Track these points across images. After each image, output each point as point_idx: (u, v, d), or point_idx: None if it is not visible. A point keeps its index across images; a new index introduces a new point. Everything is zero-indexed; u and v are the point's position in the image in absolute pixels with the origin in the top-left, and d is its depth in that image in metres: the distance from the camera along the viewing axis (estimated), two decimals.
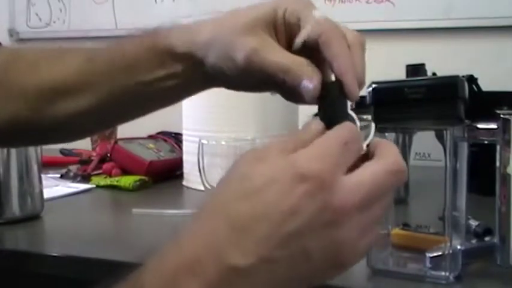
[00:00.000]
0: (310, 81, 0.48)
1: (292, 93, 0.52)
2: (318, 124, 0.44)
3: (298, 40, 0.51)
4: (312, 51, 0.50)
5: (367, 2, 1.43)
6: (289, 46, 0.52)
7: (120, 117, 0.65)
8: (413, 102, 0.61)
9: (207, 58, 0.54)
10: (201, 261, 0.38)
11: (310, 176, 0.37)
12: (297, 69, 0.49)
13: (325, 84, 0.47)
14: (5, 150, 0.85)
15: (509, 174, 0.59)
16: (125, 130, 1.40)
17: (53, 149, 1.31)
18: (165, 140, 1.26)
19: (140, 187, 1.09)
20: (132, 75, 0.58)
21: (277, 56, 0.51)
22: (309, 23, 0.51)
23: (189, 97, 0.63)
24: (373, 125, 0.48)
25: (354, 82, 0.47)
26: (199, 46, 0.55)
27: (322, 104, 0.47)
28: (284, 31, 0.52)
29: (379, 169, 0.40)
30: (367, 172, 0.40)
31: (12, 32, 1.84)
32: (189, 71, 0.57)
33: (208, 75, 0.56)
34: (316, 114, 0.46)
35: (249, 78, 0.53)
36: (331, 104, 0.46)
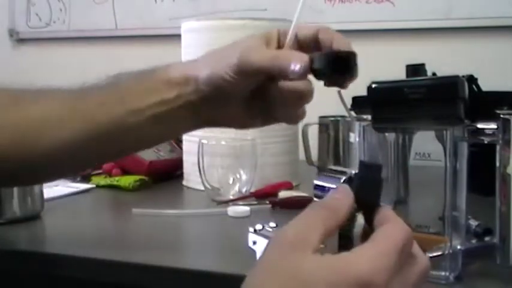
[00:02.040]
0: (298, 61, 0.54)
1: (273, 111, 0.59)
2: (348, 196, 0.42)
3: (289, 36, 0.59)
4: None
5: (367, 2, 1.43)
6: None
7: (104, 154, 0.65)
8: (413, 102, 0.61)
9: (201, 73, 0.58)
10: None
11: (375, 283, 0.37)
12: (284, 55, 0.56)
13: (362, 165, 0.46)
14: None
15: (509, 174, 0.59)
16: None
17: None
18: None
19: (140, 187, 1.09)
20: (123, 105, 0.59)
21: (265, 51, 0.57)
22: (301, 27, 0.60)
23: (180, 135, 0.66)
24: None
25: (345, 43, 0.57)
26: (194, 67, 0.59)
27: (358, 181, 0.44)
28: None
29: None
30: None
31: (12, 32, 1.84)
32: (182, 95, 0.59)
33: (201, 100, 0.59)
34: (344, 181, 0.45)
35: (241, 86, 0.56)
36: (367, 184, 0.44)
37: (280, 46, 0.60)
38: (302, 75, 0.55)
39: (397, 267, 0.39)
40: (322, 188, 0.60)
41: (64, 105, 0.60)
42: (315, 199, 0.53)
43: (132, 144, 0.64)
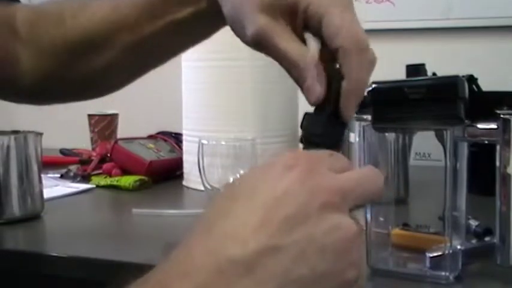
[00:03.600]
0: (313, 87, 0.46)
1: None
2: None
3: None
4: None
5: (367, 2, 1.43)
6: (302, 39, 0.49)
7: (150, 61, 0.64)
8: (413, 102, 0.61)
9: (224, 8, 0.53)
10: (194, 258, 0.35)
11: (300, 164, 0.37)
12: (303, 67, 0.47)
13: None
14: (5, 150, 0.85)
15: (509, 174, 0.59)
16: (124, 130, 1.41)
17: (53, 149, 1.31)
18: (165, 140, 1.26)
19: (140, 187, 1.09)
20: (156, 18, 0.57)
21: (284, 43, 0.48)
22: (329, 33, 0.47)
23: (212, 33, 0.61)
24: None
25: (352, 107, 0.47)
26: None
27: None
28: (301, 25, 0.49)
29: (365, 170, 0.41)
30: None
31: None
32: (211, 8, 0.55)
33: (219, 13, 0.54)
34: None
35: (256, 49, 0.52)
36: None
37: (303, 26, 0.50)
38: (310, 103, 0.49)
39: (328, 162, 0.39)
40: None
41: (100, 21, 0.60)
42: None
43: (178, 43, 0.62)
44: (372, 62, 0.47)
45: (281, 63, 0.49)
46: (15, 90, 0.64)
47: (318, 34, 0.48)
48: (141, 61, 0.62)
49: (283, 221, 0.35)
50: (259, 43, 0.50)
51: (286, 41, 0.49)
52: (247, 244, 0.34)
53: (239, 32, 0.52)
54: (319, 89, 0.46)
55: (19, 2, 0.67)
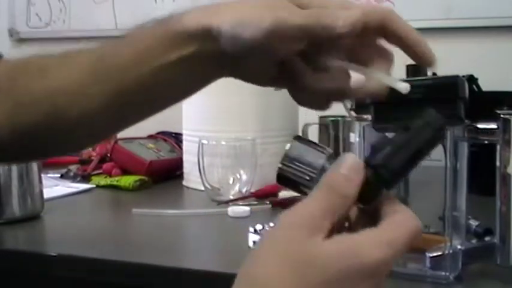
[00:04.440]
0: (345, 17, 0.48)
1: (299, 89, 0.51)
2: (358, 170, 0.41)
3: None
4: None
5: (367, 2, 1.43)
6: None
7: (131, 115, 0.62)
8: (413, 102, 0.61)
9: (223, 26, 0.51)
10: None
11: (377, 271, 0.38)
12: (327, 11, 0.48)
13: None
14: None
15: (509, 174, 0.59)
16: (125, 130, 1.40)
17: None
18: (165, 140, 1.26)
19: (140, 187, 1.09)
20: (142, 64, 0.55)
21: (302, 11, 0.49)
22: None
23: (200, 90, 0.61)
24: None
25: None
26: (215, 18, 0.51)
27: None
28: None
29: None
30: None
31: (12, 32, 1.84)
32: (202, 50, 0.53)
33: (222, 56, 0.52)
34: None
35: (266, 55, 0.51)
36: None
37: None
38: (351, 33, 0.48)
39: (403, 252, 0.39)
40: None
41: (85, 71, 0.59)
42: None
43: (150, 103, 0.60)
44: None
45: (310, 33, 0.48)
46: None
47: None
48: (126, 112, 0.60)
49: None
50: (278, 28, 0.48)
51: (297, 12, 0.49)
52: None
53: (249, 34, 0.50)
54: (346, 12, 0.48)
55: (1, 56, 0.66)
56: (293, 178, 0.44)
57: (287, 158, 0.44)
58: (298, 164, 0.44)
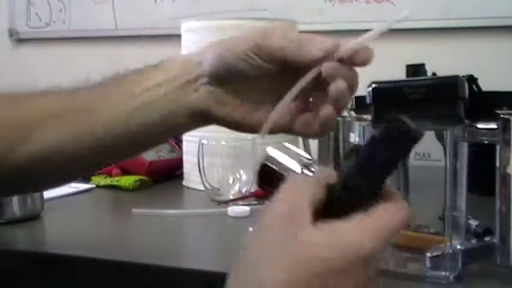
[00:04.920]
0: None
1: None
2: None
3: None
4: None
5: (367, 2, 1.43)
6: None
7: (101, 159, 0.62)
8: (413, 102, 0.61)
9: (208, 56, 0.54)
10: None
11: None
12: (310, 39, 0.51)
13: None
14: None
15: (509, 174, 0.59)
16: None
17: None
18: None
19: (140, 187, 1.09)
20: (110, 129, 0.57)
21: (283, 37, 0.52)
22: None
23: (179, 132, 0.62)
24: None
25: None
26: (200, 53, 0.55)
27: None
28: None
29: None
30: None
31: (12, 32, 1.84)
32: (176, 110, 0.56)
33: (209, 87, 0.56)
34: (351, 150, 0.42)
35: (260, 70, 0.53)
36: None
37: None
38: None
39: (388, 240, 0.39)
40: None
41: (60, 102, 0.59)
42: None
43: (130, 147, 0.61)
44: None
45: (286, 57, 0.51)
46: None
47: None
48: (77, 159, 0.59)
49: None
50: (260, 51, 0.52)
51: (280, 36, 0.52)
52: None
53: (228, 62, 0.54)
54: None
55: None
56: (275, 175, 0.46)
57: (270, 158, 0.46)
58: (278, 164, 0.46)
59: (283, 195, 0.40)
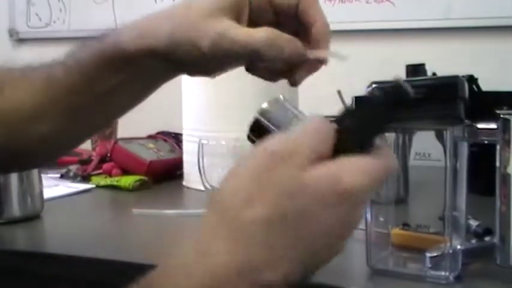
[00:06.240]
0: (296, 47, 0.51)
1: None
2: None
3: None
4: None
5: (367, 2, 1.43)
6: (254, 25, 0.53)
7: (87, 129, 0.64)
8: (414, 102, 0.61)
9: (164, 49, 0.53)
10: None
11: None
12: (277, 42, 0.51)
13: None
14: None
15: (509, 174, 0.59)
16: (125, 130, 1.41)
17: None
18: (165, 140, 1.26)
19: (140, 187, 1.09)
20: (89, 87, 0.57)
21: (247, 35, 0.51)
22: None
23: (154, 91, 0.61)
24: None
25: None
26: (155, 40, 0.54)
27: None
28: (251, 16, 0.54)
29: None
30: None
31: (12, 32, 1.84)
32: (145, 70, 0.56)
33: (166, 67, 0.55)
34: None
35: (213, 62, 0.53)
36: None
37: (252, 21, 0.54)
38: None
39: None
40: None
41: (37, 93, 0.59)
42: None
43: (104, 116, 0.62)
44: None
45: (249, 55, 0.52)
46: None
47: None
48: (80, 127, 0.62)
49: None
50: (220, 48, 0.51)
51: (244, 32, 0.52)
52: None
53: (192, 55, 0.52)
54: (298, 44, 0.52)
55: None
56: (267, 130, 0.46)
57: (266, 112, 0.47)
58: (274, 123, 0.46)
59: (286, 137, 0.41)
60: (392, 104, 0.43)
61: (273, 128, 0.45)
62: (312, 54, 0.52)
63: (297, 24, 0.55)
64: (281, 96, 0.47)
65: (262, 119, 0.45)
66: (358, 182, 0.39)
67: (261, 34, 0.51)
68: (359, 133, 0.42)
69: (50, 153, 0.65)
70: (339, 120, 0.42)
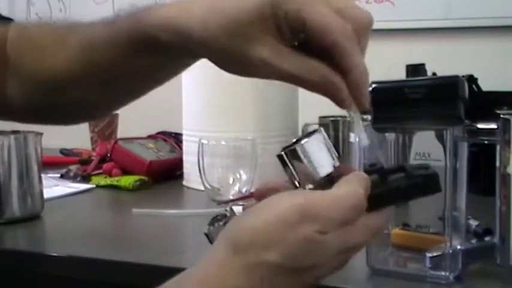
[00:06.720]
0: (341, 92, 0.47)
1: None
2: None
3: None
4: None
5: (367, 2, 1.43)
6: (290, 39, 0.48)
7: (122, 97, 0.66)
8: (413, 102, 0.61)
9: (213, 60, 0.55)
10: None
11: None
12: (322, 81, 0.47)
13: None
14: (6, 150, 0.85)
15: (509, 174, 0.59)
16: (124, 130, 1.41)
17: (53, 149, 1.31)
18: (165, 140, 1.26)
19: (140, 187, 1.09)
20: (123, 64, 0.58)
21: (292, 65, 0.48)
22: (316, 23, 0.46)
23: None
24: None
25: (366, 96, 0.47)
26: (189, 19, 0.53)
27: None
28: (287, 29, 0.47)
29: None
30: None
31: None
32: (176, 59, 0.58)
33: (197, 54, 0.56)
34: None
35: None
36: None
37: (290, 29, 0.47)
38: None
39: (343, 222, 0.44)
40: None
41: (74, 61, 0.61)
42: None
43: (139, 88, 0.64)
44: (363, 48, 0.48)
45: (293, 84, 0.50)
46: (8, 113, 0.65)
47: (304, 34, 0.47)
48: (116, 95, 0.64)
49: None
50: (264, 72, 0.50)
51: (289, 60, 0.48)
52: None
53: (234, 63, 0.52)
54: (344, 92, 0.47)
55: (12, 20, 0.67)
56: (295, 167, 0.47)
57: (301, 147, 0.46)
58: (308, 158, 0.46)
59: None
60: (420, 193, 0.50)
61: (305, 161, 0.46)
62: (351, 107, 0.48)
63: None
64: (322, 130, 0.48)
65: (299, 151, 0.46)
66: (363, 240, 0.45)
67: (306, 70, 0.47)
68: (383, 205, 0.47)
69: (88, 114, 0.70)
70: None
